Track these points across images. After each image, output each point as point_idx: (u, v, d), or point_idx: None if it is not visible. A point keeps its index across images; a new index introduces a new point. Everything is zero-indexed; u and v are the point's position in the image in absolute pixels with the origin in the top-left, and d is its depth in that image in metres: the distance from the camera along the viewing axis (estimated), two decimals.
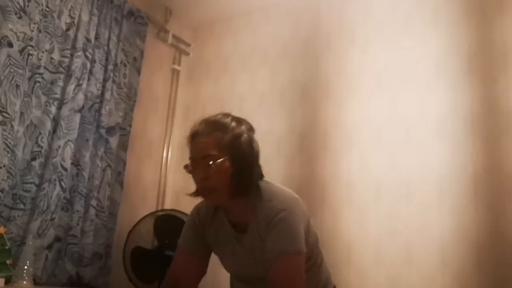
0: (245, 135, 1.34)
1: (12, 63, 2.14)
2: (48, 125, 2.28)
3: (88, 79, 2.52)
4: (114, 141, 2.63)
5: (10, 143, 2.10)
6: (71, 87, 2.40)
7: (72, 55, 2.45)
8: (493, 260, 1.99)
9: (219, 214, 1.44)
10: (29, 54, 2.21)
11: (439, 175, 2.20)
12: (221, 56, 3.24)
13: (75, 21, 2.48)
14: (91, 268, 2.40)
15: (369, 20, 2.65)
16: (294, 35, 2.93)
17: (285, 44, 2.95)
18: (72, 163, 2.38)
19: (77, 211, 2.37)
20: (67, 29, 2.45)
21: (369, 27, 2.63)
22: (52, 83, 2.35)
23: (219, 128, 1.32)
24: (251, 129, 1.40)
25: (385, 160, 2.37)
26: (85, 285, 2.35)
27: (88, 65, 2.51)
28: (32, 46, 2.22)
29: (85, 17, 2.53)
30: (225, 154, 1.29)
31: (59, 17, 2.41)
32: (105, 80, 2.63)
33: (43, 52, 2.30)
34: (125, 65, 2.78)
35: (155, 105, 3.11)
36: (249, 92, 3.00)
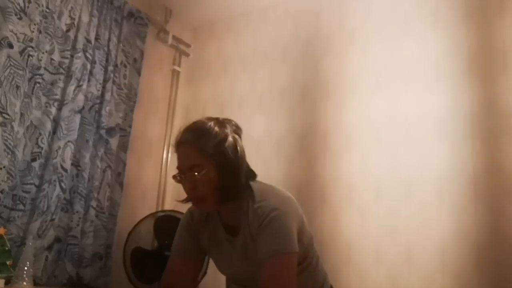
0: (229, 139, 1.33)
1: (12, 64, 2.14)
2: (48, 126, 2.28)
3: (88, 80, 2.52)
4: (114, 142, 2.63)
5: (10, 144, 2.10)
6: (71, 88, 2.40)
7: (72, 56, 2.45)
8: (493, 260, 1.98)
9: (213, 217, 1.44)
10: (29, 55, 2.21)
11: (439, 175, 2.20)
12: (221, 57, 3.25)
13: (75, 22, 2.48)
14: (91, 268, 2.40)
15: (369, 20, 2.65)
16: (294, 35, 2.93)
17: (285, 44, 2.95)
18: (72, 164, 2.38)
19: (77, 212, 2.37)
20: (67, 30, 2.45)
21: (369, 27, 2.63)
22: (52, 84, 2.35)
23: (202, 136, 1.31)
24: (236, 129, 1.38)
25: (385, 160, 2.37)
26: (85, 286, 2.35)
27: (88, 66, 2.51)
28: (32, 47, 2.23)
29: (85, 18, 2.53)
30: (210, 163, 1.29)
31: (59, 18, 2.41)
32: (105, 81, 2.63)
33: (43, 53, 2.30)
34: (125, 66, 2.79)
35: (155, 106, 3.11)
36: (249, 92, 3.00)
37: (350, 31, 2.69)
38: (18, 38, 2.17)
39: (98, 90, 2.58)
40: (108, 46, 2.68)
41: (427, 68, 2.38)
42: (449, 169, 2.19)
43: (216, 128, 1.33)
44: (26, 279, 1.91)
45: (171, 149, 3.04)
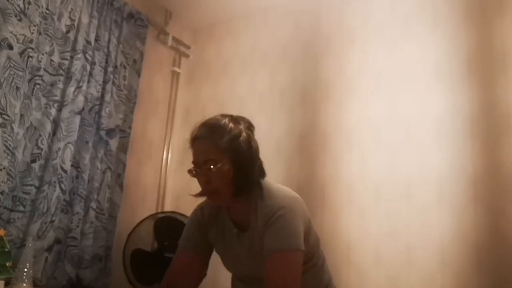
0: (243, 135, 1.36)
1: (12, 65, 2.15)
2: (48, 127, 2.28)
3: (88, 81, 2.52)
4: (114, 143, 2.63)
5: (10, 145, 2.10)
6: (71, 89, 2.40)
7: (72, 57, 2.45)
8: (492, 261, 1.98)
9: (222, 213, 1.46)
10: (29, 56, 2.21)
11: (439, 175, 2.20)
12: (221, 58, 3.25)
13: (75, 24, 2.48)
14: (91, 270, 2.39)
15: (369, 21, 2.65)
16: (294, 36, 2.93)
17: (285, 45, 2.95)
18: (72, 165, 2.38)
19: (77, 213, 2.37)
20: (67, 32, 2.45)
21: (369, 28, 2.64)
22: (52, 85, 2.35)
23: (217, 131, 1.35)
24: (250, 126, 1.42)
25: (385, 160, 2.37)
26: (85, 287, 2.34)
27: (88, 67, 2.52)
28: (32, 48, 2.23)
29: (85, 20, 2.54)
30: (224, 157, 1.32)
31: (59, 19, 2.42)
32: (105, 82, 2.63)
33: (43, 54, 2.30)
34: (125, 67, 2.79)
35: (155, 107, 3.11)
36: (249, 93, 3.00)
37: (350, 32, 2.70)
38: (18, 39, 2.18)
39: (98, 92, 2.58)
40: (108, 47, 2.68)
41: (427, 68, 2.39)
42: (449, 169, 2.19)
43: (231, 124, 1.36)
44: (26, 280, 1.91)
45: (172, 151, 3.08)
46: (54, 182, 2.27)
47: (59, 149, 2.31)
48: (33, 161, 2.22)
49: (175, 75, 3.28)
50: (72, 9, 2.48)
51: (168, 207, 2.99)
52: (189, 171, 1.37)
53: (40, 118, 2.28)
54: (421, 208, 2.21)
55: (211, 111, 3.07)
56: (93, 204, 2.45)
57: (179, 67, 3.30)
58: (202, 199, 1.47)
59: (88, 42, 2.55)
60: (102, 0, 2.66)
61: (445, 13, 2.42)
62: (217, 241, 1.47)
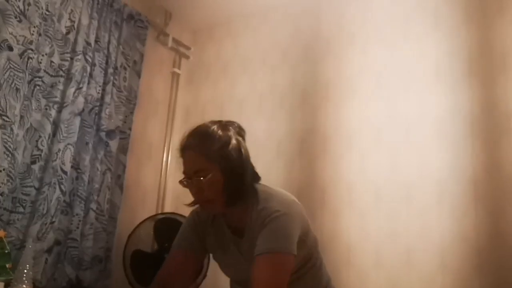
0: (233, 142, 1.34)
1: (12, 66, 2.15)
2: (48, 128, 2.28)
3: (88, 83, 2.52)
4: (114, 144, 2.63)
5: (10, 146, 2.10)
6: (71, 90, 2.40)
7: (72, 58, 2.45)
8: (493, 262, 1.98)
9: (218, 219, 1.45)
10: (29, 58, 2.21)
11: (439, 177, 2.20)
12: (221, 59, 3.25)
13: (75, 25, 2.49)
14: (91, 271, 2.39)
15: (369, 21, 2.65)
16: (294, 37, 2.93)
17: (284, 46, 2.95)
18: (72, 167, 2.37)
19: (77, 214, 2.37)
20: (67, 33, 2.45)
21: (369, 28, 2.64)
22: (52, 86, 2.35)
23: (206, 140, 1.33)
24: (240, 131, 1.40)
25: (385, 161, 2.37)
26: None
27: (88, 69, 2.52)
28: (32, 50, 2.23)
29: (85, 21, 2.54)
30: (214, 167, 1.30)
31: (59, 20, 2.42)
32: (105, 84, 2.63)
33: (43, 55, 2.30)
34: (125, 69, 2.79)
35: (155, 108, 3.11)
36: (249, 95, 3.00)
37: (350, 32, 2.70)
38: (18, 41, 2.18)
39: (98, 93, 2.58)
40: (108, 48, 2.68)
41: (427, 68, 2.38)
42: (449, 171, 2.18)
43: (220, 132, 1.34)
44: (26, 282, 1.90)
45: (172, 153, 3.08)
46: (54, 183, 2.27)
47: (59, 150, 2.31)
48: (33, 162, 2.22)
49: (175, 76, 3.28)
50: (72, 10, 2.48)
51: (168, 208, 2.99)
52: (181, 182, 1.36)
53: (40, 119, 2.28)
54: (421, 210, 2.20)
55: (211, 112, 3.11)
56: (93, 206, 2.45)
57: (179, 68, 3.30)
58: None
59: (88, 43, 2.55)
60: (102, 1, 2.66)
61: (445, 13, 2.42)
62: (214, 248, 1.45)
